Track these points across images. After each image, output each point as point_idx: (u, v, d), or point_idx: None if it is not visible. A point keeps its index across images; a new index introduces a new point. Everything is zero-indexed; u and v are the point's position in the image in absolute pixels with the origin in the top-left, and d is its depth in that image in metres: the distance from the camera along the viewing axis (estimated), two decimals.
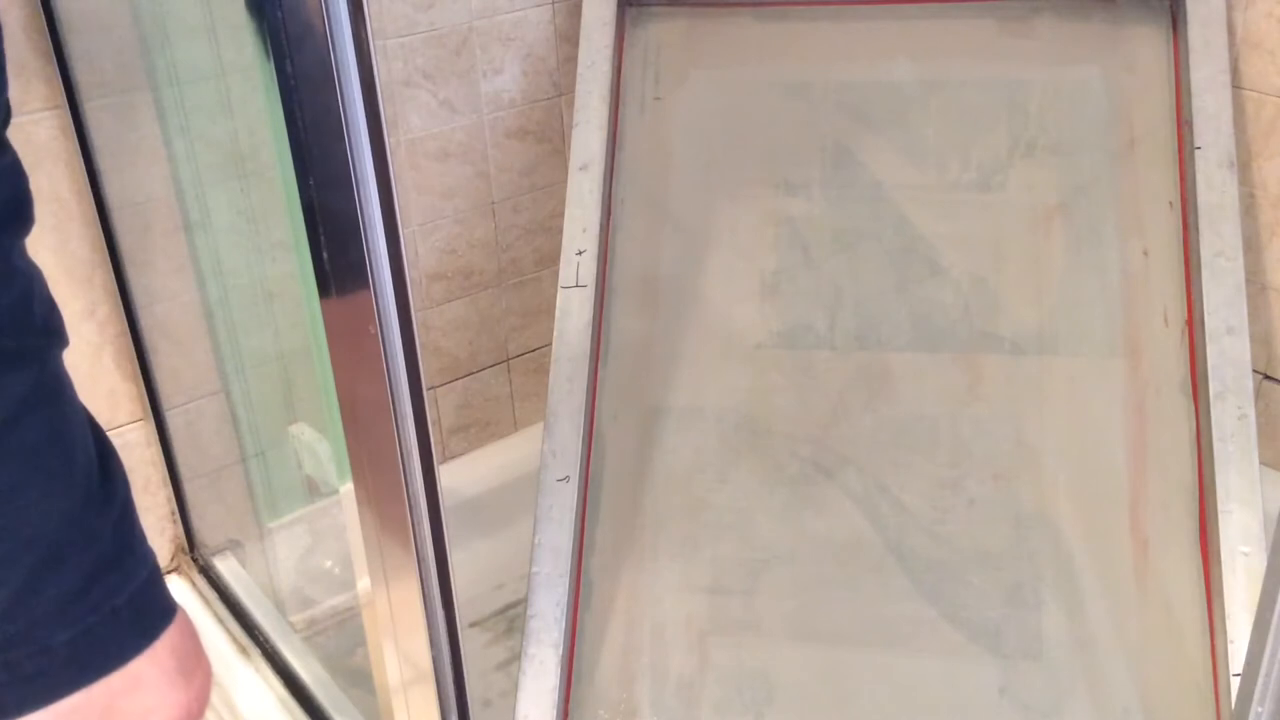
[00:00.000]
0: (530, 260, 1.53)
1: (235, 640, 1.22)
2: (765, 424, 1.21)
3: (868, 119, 1.28)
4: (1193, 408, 1.12)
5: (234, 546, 1.33)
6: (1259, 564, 1.02)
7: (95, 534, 0.54)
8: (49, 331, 0.52)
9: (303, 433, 1.13)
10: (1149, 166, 1.22)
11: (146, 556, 0.57)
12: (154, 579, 0.57)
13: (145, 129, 1.17)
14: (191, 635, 0.60)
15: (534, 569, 1.10)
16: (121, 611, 0.55)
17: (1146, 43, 1.25)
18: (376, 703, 0.85)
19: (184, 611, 0.59)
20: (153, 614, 0.57)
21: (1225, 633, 1.01)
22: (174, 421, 1.26)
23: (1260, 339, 1.32)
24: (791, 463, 1.19)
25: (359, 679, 1.06)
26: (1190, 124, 1.19)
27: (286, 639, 1.21)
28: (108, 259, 1.17)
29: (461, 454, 1.57)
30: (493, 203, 1.47)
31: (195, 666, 0.59)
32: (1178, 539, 1.09)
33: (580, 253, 1.22)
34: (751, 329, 1.24)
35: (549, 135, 1.48)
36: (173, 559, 1.32)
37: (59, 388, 0.53)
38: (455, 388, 1.53)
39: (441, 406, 1.52)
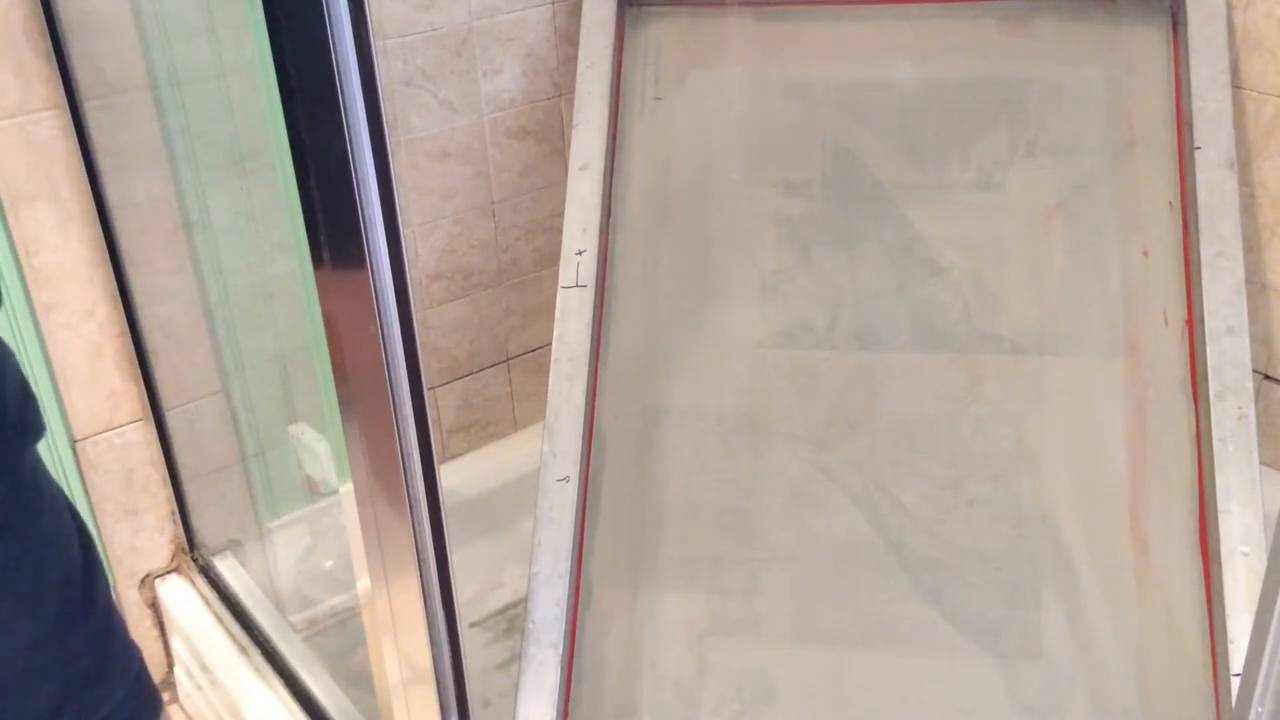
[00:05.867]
0: (530, 260, 1.53)
1: (235, 640, 1.22)
2: (765, 424, 1.21)
3: (868, 119, 1.28)
4: (1193, 408, 1.12)
5: (234, 546, 1.33)
6: (1259, 564, 1.02)
7: (69, 653, 0.50)
8: (24, 428, 0.47)
9: (303, 433, 1.13)
10: (1149, 166, 1.22)
11: (127, 668, 0.53)
12: (134, 691, 0.53)
13: (145, 129, 1.17)
14: None
15: (534, 569, 1.10)
16: None
17: (1146, 43, 1.25)
18: (376, 703, 0.85)
19: (167, 714, 0.56)
20: None
21: (1225, 633, 1.01)
22: (174, 421, 1.26)
23: (1260, 339, 1.32)
24: (791, 463, 1.19)
25: (359, 679, 1.06)
26: (1190, 124, 1.19)
27: (286, 639, 1.21)
28: (108, 259, 1.17)
29: (461, 454, 1.57)
30: (493, 203, 1.47)
31: None
32: (1178, 539, 1.09)
33: (580, 253, 1.22)
34: (751, 329, 1.24)
35: (549, 135, 1.48)
36: (173, 559, 1.32)
37: (33, 497, 0.48)
38: (455, 388, 1.53)
39: (441, 406, 1.52)
